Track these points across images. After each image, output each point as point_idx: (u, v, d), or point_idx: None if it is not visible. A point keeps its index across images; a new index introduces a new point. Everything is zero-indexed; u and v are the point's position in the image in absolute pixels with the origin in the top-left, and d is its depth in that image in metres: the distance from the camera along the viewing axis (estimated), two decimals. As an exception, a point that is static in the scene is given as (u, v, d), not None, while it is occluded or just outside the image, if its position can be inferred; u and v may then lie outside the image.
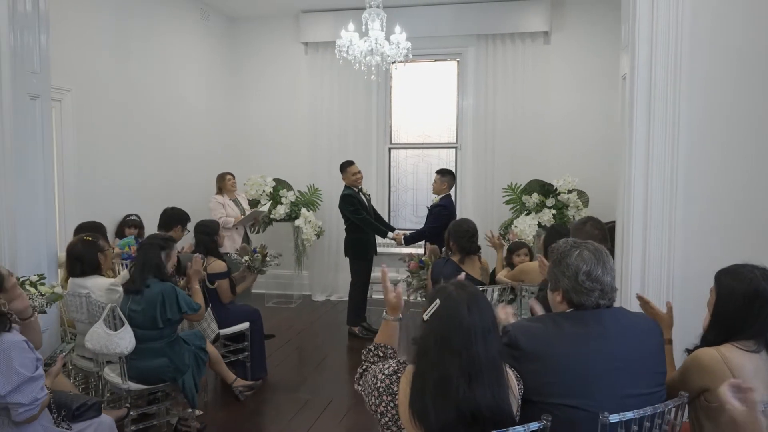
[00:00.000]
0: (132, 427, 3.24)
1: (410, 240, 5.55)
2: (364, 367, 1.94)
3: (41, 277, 3.00)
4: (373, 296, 6.11)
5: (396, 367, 1.77)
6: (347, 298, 6.75)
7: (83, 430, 2.47)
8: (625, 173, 2.70)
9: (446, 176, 5.55)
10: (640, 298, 2.22)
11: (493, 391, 1.60)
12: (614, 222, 4.51)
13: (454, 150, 7.16)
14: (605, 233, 2.94)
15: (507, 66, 6.70)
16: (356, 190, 5.67)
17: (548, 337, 1.87)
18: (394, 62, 5.38)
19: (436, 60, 7.14)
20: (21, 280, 2.86)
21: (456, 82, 7.08)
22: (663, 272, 2.57)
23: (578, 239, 2.04)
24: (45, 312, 2.94)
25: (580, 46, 6.59)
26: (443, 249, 4.26)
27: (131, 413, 3.23)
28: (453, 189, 6.47)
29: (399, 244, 5.65)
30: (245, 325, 4.36)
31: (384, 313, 2.08)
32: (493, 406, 1.59)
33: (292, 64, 7.29)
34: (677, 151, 2.53)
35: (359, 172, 5.72)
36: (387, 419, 1.68)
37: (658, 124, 2.54)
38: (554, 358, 1.82)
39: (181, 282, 3.72)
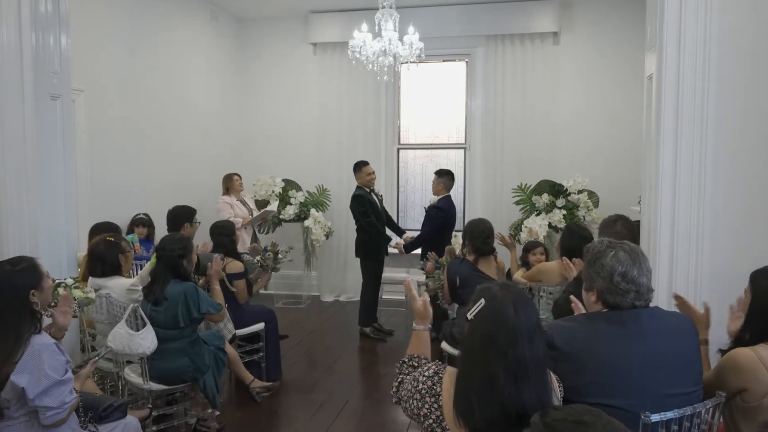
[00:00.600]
0: (153, 428, 3.24)
1: (410, 248, 5.58)
2: (399, 379, 1.93)
3: (76, 280, 3.00)
4: (383, 297, 6.11)
5: (436, 369, 1.77)
6: (356, 299, 6.78)
7: (110, 431, 2.46)
8: (651, 173, 2.70)
9: (443, 177, 5.56)
10: (677, 297, 2.22)
11: (538, 392, 1.61)
12: (638, 222, 4.53)
13: (462, 150, 7.17)
14: (635, 233, 2.94)
15: (516, 66, 6.71)
16: (368, 190, 5.67)
17: (585, 337, 1.86)
18: (406, 62, 5.37)
19: (444, 60, 7.14)
20: (56, 282, 2.85)
21: (465, 83, 7.08)
22: (690, 272, 2.57)
23: (613, 239, 2.03)
24: (77, 317, 2.93)
25: (589, 46, 6.60)
26: (461, 249, 4.25)
27: (152, 413, 3.22)
28: (459, 190, 6.52)
29: (400, 253, 5.65)
30: (261, 325, 4.36)
31: (413, 324, 2.07)
32: (538, 407, 1.59)
33: (301, 64, 7.29)
34: (705, 151, 2.53)
35: (373, 172, 5.73)
36: (431, 421, 1.68)
37: (686, 123, 2.54)
38: (593, 357, 1.82)
39: (200, 281, 3.72)
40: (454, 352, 3.77)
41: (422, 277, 5.76)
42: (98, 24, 5.05)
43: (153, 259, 3.81)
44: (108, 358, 3.48)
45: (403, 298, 6.39)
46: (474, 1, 6.64)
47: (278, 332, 4.63)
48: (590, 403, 1.78)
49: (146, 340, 3.10)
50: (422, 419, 1.70)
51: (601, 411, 1.39)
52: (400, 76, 7.08)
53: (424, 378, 1.74)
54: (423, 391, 1.71)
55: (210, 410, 3.49)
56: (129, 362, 3.39)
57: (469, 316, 1.69)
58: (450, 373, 1.73)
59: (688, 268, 2.58)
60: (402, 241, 5.66)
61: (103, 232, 3.82)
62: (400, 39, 5.21)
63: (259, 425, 3.83)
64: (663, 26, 2.56)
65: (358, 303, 6.16)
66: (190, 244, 3.43)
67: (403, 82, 7.22)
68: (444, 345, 3.98)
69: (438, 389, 1.70)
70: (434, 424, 1.68)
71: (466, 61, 7.05)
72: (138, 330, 3.12)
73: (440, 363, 1.83)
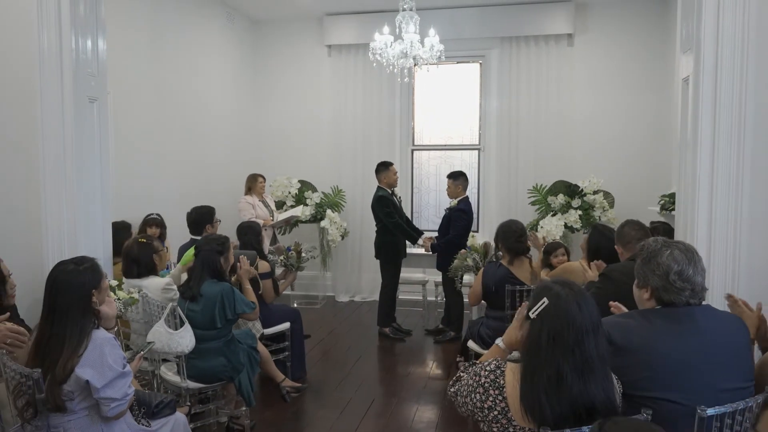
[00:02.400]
0: (191, 425, 3.28)
1: (437, 249, 5.58)
2: (458, 375, 1.97)
3: (121, 281, 3.04)
4: (399, 297, 6.15)
5: (497, 363, 1.81)
6: (371, 299, 6.85)
7: (161, 427, 2.51)
8: (688, 175, 2.74)
9: (458, 179, 5.59)
10: (730, 296, 2.27)
11: (604, 387, 1.66)
12: (660, 223, 4.57)
13: (477, 151, 7.22)
14: (647, 233, 2.98)
15: (530, 68, 6.76)
16: (390, 191, 5.71)
17: (642, 332, 1.91)
18: (426, 64, 5.42)
19: (459, 62, 7.19)
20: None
21: (479, 84, 7.13)
22: (728, 273, 2.62)
23: (667, 238, 2.07)
24: (122, 317, 2.98)
25: (603, 48, 6.66)
26: (495, 252, 4.27)
27: (190, 411, 3.26)
28: (473, 191, 6.56)
29: (426, 251, 5.68)
30: (286, 325, 4.40)
31: (499, 341, 2.05)
32: (605, 401, 1.64)
33: (316, 66, 7.34)
34: (743, 153, 2.57)
35: (397, 172, 5.78)
36: (496, 412, 1.73)
37: (724, 125, 2.58)
38: (650, 352, 1.86)
39: (233, 278, 3.76)
40: (481, 351, 3.82)
41: (438, 277, 5.84)
42: (119, 28, 5.08)
43: (184, 259, 3.87)
44: (144, 356, 3.53)
45: (420, 298, 6.44)
46: (488, 3, 6.69)
47: (303, 332, 4.67)
48: (647, 397, 1.84)
49: (185, 339, 3.14)
50: (486, 411, 1.75)
51: (660, 429, 1.43)
52: (415, 78, 7.12)
53: (487, 372, 1.78)
54: (486, 385, 1.76)
55: (243, 408, 3.53)
56: (165, 360, 3.44)
57: (532, 315, 1.74)
58: (512, 367, 1.78)
59: (725, 269, 2.62)
60: (429, 239, 5.65)
61: (117, 230, 3.85)
62: (421, 41, 5.25)
63: (288, 424, 3.87)
64: (700, 28, 2.60)
65: (373, 303, 6.23)
66: (228, 243, 3.47)
67: (418, 83, 7.27)
68: (471, 344, 4.02)
69: (501, 382, 1.75)
70: (499, 416, 1.72)
71: (481, 63, 7.10)
72: (177, 329, 3.17)
73: (499, 359, 1.87)
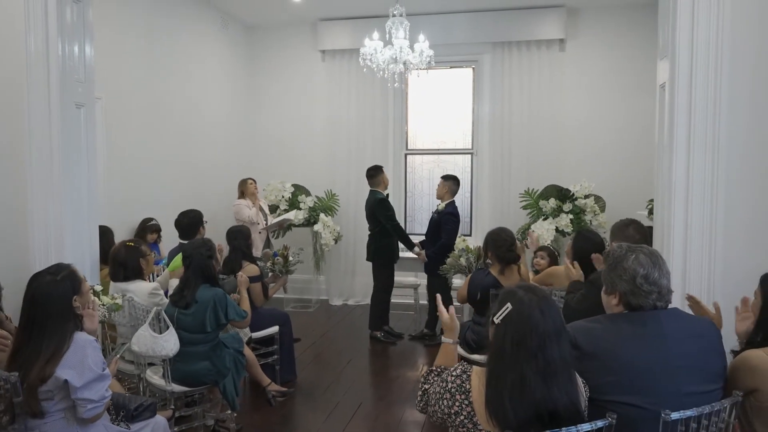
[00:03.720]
0: (175, 429, 3.31)
1: (433, 256, 5.56)
2: (423, 389, 1.99)
3: (107, 287, 3.07)
4: (392, 301, 6.16)
5: (463, 368, 1.84)
6: (364, 303, 6.86)
7: (140, 430, 2.53)
8: (665, 180, 2.77)
9: (449, 181, 5.66)
10: (690, 297, 2.29)
11: (567, 391, 1.68)
12: (649, 228, 4.59)
13: (469, 156, 7.25)
14: (647, 238, 3.00)
15: (522, 73, 6.79)
16: (386, 195, 5.77)
17: (608, 337, 1.93)
18: (416, 69, 5.45)
19: (452, 67, 7.22)
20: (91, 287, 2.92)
21: (472, 89, 7.16)
22: (704, 277, 2.64)
23: (631, 244, 2.10)
24: (104, 321, 3.00)
25: (595, 53, 6.69)
26: (483, 260, 4.28)
27: (175, 414, 3.29)
28: (466, 195, 6.59)
29: (422, 261, 5.69)
30: (275, 328, 4.43)
31: (441, 337, 2.13)
32: (569, 406, 1.67)
33: (310, 71, 7.38)
34: (718, 158, 2.59)
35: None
36: (462, 417, 1.75)
37: (699, 130, 2.60)
38: (615, 357, 1.88)
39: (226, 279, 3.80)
40: (468, 356, 3.84)
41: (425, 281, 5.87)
42: (114, 33, 5.13)
43: (173, 264, 3.89)
44: (129, 360, 3.56)
45: (412, 302, 6.46)
46: (481, 9, 6.73)
47: (292, 335, 4.70)
48: (612, 401, 1.86)
49: (169, 343, 3.17)
50: (453, 417, 1.77)
51: None
52: (408, 83, 7.16)
53: (453, 377, 1.81)
54: (453, 390, 1.78)
55: (228, 412, 3.56)
56: (150, 364, 3.46)
57: (496, 320, 1.76)
58: (478, 371, 1.80)
59: (701, 273, 2.64)
60: (422, 252, 5.67)
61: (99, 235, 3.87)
62: (411, 47, 5.29)
63: (275, 427, 3.89)
64: (675, 35, 2.63)
65: (366, 307, 6.24)
66: (214, 245, 3.51)
67: (411, 88, 7.30)
68: (459, 349, 4.04)
69: (467, 386, 1.77)
70: (465, 420, 1.75)
71: (473, 68, 7.13)
72: (161, 332, 3.19)
73: (465, 363, 1.90)
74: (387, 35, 5.23)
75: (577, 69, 6.73)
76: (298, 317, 6.56)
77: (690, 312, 2.35)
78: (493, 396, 1.70)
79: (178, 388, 3.32)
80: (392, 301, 6.17)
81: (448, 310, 2.13)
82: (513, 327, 1.71)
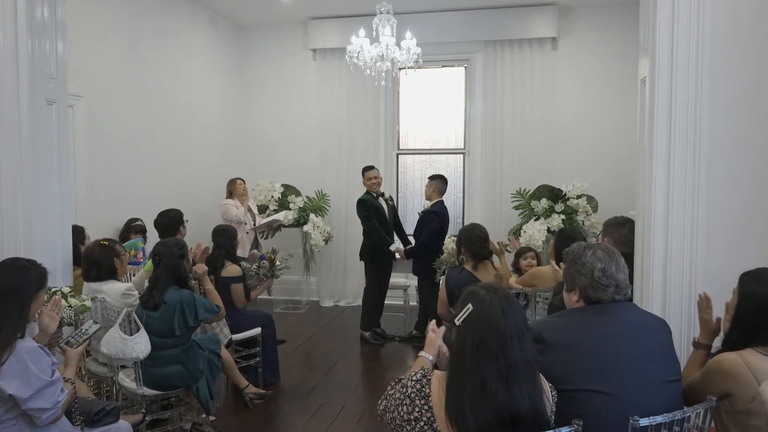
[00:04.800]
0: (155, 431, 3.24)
1: (411, 254, 5.58)
2: (386, 395, 1.90)
3: (73, 288, 3.00)
4: (386, 302, 6.08)
5: (424, 372, 1.76)
6: (355, 304, 6.79)
7: (101, 435, 2.46)
8: (645, 175, 2.69)
9: (435, 181, 5.62)
10: (705, 297, 2.25)
11: (530, 394, 1.60)
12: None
13: (461, 155, 7.17)
14: None
15: (514, 72, 6.71)
16: (374, 195, 5.68)
17: (570, 328, 1.95)
18: (404, 68, 5.38)
19: (443, 66, 7.15)
20: (53, 290, 2.84)
21: (463, 88, 7.09)
22: (685, 274, 2.57)
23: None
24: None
25: (587, 51, 6.61)
26: (457, 257, 4.23)
27: (146, 418, 3.22)
28: (458, 195, 6.52)
29: (401, 259, 5.65)
30: (257, 330, 4.35)
31: (423, 353, 2.03)
32: (531, 409, 1.59)
33: (301, 70, 7.31)
34: (698, 154, 2.52)
35: (375, 177, 5.73)
36: (422, 423, 1.67)
37: (679, 126, 2.54)
38: (577, 346, 1.89)
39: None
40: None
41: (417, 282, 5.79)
42: (98, 30, 5.07)
43: (148, 265, 3.82)
44: (102, 362, 3.48)
45: (402, 303, 6.38)
46: (473, 7, 6.65)
47: (276, 337, 4.62)
48: (576, 390, 1.85)
49: (140, 345, 3.09)
50: (413, 423, 1.69)
51: None
52: (399, 82, 7.09)
53: (413, 382, 1.73)
54: (412, 395, 1.70)
55: (203, 416, 3.48)
56: (123, 367, 3.39)
57: (457, 321, 1.69)
58: (438, 375, 1.72)
59: (682, 271, 2.58)
60: (402, 248, 5.66)
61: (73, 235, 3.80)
62: (398, 44, 5.22)
63: (256, 430, 3.82)
64: (655, 29, 2.55)
65: (357, 308, 6.16)
66: (186, 245, 3.44)
67: (403, 87, 7.23)
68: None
69: (427, 390, 1.69)
70: (425, 426, 1.67)
71: (465, 67, 7.06)
72: (131, 334, 3.12)
73: (426, 368, 1.82)
74: (374, 32, 5.17)
75: (569, 67, 6.65)
76: (288, 319, 6.50)
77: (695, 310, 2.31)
78: (453, 400, 1.62)
79: (149, 391, 3.24)
80: (385, 302, 6.08)
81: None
82: (473, 328, 1.64)
